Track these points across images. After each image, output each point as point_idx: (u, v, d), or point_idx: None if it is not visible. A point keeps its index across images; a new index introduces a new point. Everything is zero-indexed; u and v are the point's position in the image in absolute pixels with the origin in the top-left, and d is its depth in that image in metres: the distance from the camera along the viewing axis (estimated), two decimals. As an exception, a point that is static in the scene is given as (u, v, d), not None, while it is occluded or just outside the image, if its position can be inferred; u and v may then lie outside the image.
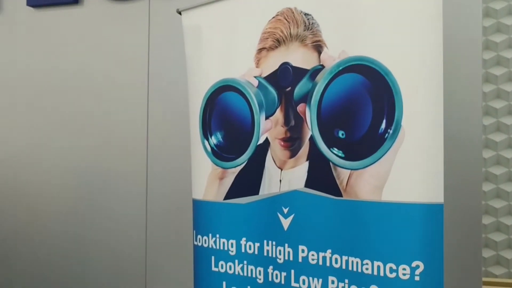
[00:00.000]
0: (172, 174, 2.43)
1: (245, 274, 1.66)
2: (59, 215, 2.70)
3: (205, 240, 1.78)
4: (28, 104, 2.78)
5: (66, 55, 2.69)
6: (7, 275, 2.84)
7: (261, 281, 1.62)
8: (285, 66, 1.55)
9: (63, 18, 2.69)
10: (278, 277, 1.56)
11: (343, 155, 1.41)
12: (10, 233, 2.85)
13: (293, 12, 1.54)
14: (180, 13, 1.93)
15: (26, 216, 2.77)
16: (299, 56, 1.52)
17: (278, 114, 1.58)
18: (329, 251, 1.44)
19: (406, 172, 1.30)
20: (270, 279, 1.59)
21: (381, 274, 1.32)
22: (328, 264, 1.44)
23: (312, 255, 1.48)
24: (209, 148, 1.77)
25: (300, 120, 1.52)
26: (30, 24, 2.78)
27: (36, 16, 2.76)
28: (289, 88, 1.55)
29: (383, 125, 1.33)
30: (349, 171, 1.40)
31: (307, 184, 1.50)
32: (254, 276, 1.64)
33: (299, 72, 1.52)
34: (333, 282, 1.43)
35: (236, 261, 1.68)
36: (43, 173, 2.73)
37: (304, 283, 1.50)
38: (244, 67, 1.66)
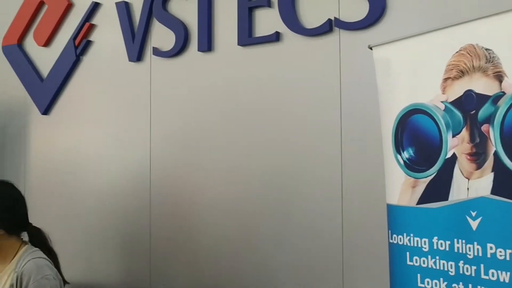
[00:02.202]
0: (364, 182, 2.73)
1: (438, 267, 1.93)
2: (256, 214, 3.09)
3: (400, 238, 2.10)
4: (236, 127, 3.24)
5: (268, 87, 3.12)
6: (197, 275, 3.29)
7: (452, 274, 1.88)
8: (469, 92, 1.82)
9: (266, 54, 3.13)
10: (469, 270, 1.81)
11: (525, 167, 1.66)
12: (201, 233, 3.29)
13: (475, 48, 1.80)
14: (371, 49, 2.30)
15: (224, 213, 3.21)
16: (481, 85, 1.78)
17: (464, 133, 1.86)
18: (515, 248, 1.68)
19: None
20: (461, 272, 1.84)
21: None
22: (515, 259, 1.68)
23: (500, 251, 1.72)
24: (401, 161, 2.09)
25: (484, 138, 1.78)
26: (239, 61, 3.26)
27: (244, 53, 3.23)
28: (473, 111, 1.81)
29: (562, 141, 1.56)
30: (531, 180, 1.64)
31: (493, 192, 1.75)
32: (446, 269, 1.90)
33: (482, 98, 1.78)
34: (520, 275, 1.68)
35: (429, 257, 1.96)
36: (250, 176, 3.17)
37: (493, 276, 1.73)
38: (431, 94, 1.95)
